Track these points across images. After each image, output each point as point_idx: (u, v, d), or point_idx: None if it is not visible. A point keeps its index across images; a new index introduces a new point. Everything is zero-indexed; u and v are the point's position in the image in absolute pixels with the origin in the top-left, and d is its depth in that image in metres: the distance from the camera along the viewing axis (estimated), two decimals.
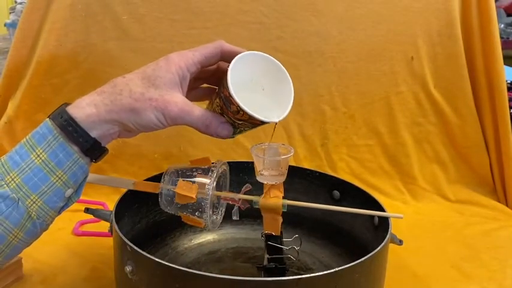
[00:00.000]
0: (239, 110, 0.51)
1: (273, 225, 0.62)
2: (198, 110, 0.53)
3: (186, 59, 0.54)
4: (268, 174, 0.59)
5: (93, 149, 0.52)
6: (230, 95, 0.51)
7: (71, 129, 0.50)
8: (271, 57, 0.56)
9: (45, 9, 0.89)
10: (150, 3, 0.90)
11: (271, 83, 0.56)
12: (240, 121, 0.54)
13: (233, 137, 0.58)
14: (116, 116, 0.51)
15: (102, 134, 0.52)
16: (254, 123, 0.54)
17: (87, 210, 0.66)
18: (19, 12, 4.29)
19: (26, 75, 0.91)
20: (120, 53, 0.90)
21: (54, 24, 0.89)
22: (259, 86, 0.56)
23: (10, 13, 4.95)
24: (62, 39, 0.90)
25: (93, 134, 0.51)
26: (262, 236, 0.64)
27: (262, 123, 0.53)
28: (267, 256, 0.65)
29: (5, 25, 4.64)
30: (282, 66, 0.56)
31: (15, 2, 5.06)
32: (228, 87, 0.51)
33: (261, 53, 0.55)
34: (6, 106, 0.92)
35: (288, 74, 0.56)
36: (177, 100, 0.52)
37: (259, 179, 0.60)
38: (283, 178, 0.60)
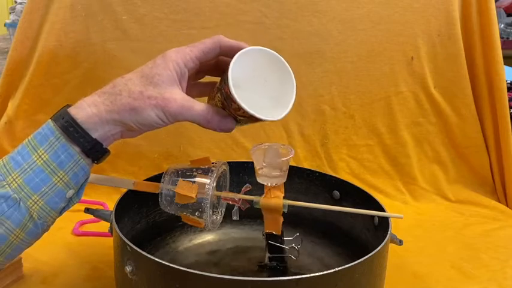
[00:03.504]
0: (240, 107, 0.51)
1: (274, 224, 0.62)
2: (198, 105, 0.53)
3: (183, 55, 0.54)
4: (269, 176, 0.59)
5: (94, 150, 0.52)
6: (230, 94, 0.51)
7: (72, 130, 0.51)
8: (275, 53, 0.55)
9: (45, 9, 0.89)
10: (150, 3, 0.90)
11: (274, 78, 0.55)
12: (241, 117, 0.53)
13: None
14: (117, 116, 0.51)
15: (103, 135, 0.52)
16: (255, 119, 0.53)
17: (87, 210, 0.66)
18: (19, 12, 4.29)
19: (26, 75, 0.91)
20: (120, 53, 0.90)
21: (54, 24, 0.89)
22: (262, 81, 0.55)
23: (10, 13, 4.95)
24: (62, 39, 0.90)
25: (95, 135, 0.52)
26: (263, 235, 0.64)
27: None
28: (268, 255, 0.65)
29: (5, 25, 4.64)
30: (285, 62, 0.55)
31: (15, 2, 5.06)
32: (228, 85, 0.51)
33: (264, 48, 0.54)
34: (6, 106, 0.92)
35: (291, 71, 0.55)
36: (176, 97, 0.52)
37: (259, 180, 0.60)
38: (283, 179, 0.60)
